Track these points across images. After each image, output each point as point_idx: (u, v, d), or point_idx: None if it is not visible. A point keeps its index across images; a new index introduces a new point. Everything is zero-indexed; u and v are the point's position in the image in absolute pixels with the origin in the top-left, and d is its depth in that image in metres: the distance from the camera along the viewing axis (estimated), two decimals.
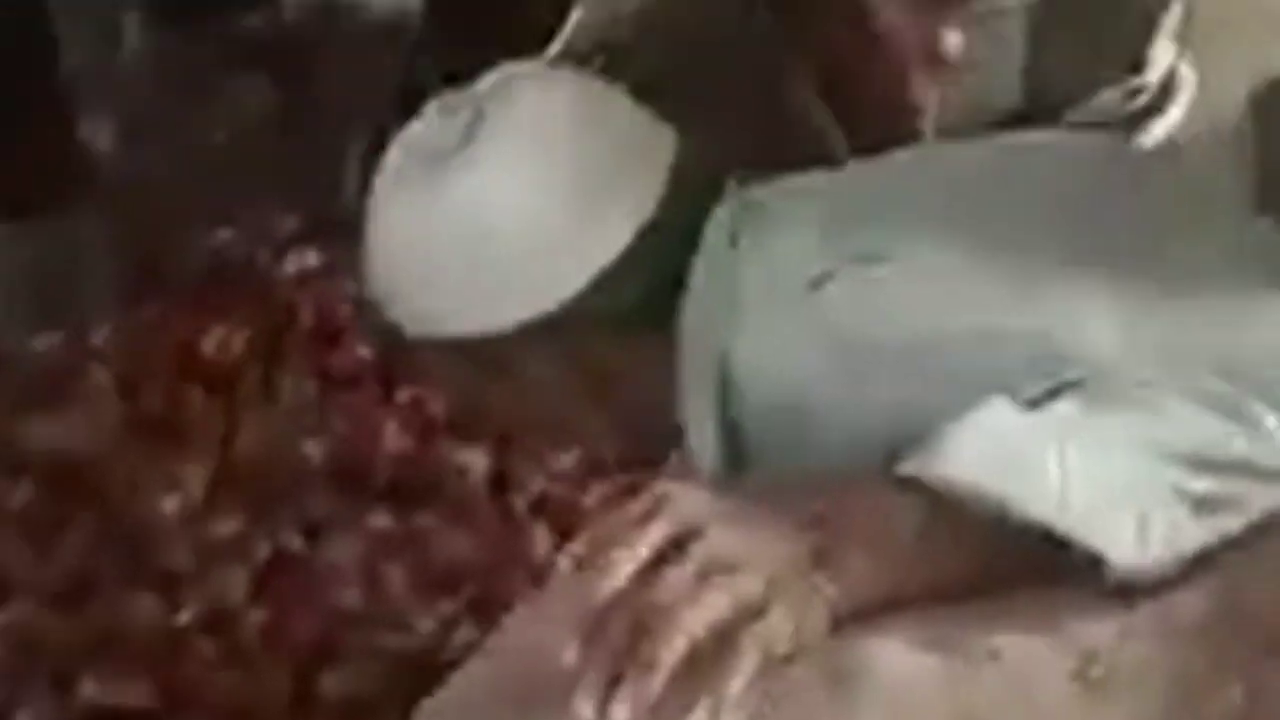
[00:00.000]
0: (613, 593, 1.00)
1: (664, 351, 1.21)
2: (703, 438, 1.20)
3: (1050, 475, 1.01)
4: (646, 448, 1.33)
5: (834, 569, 1.02)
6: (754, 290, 1.19)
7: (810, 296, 1.16)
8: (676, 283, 1.21)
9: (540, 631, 1.20)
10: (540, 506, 1.99)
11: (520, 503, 1.98)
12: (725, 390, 1.18)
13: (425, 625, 1.83)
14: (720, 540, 1.03)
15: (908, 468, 1.03)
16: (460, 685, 1.23)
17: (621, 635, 0.99)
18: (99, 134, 2.25)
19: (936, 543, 1.02)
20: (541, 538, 1.96)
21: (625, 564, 1.02)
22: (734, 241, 1.21)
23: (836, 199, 1.24)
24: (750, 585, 1.01)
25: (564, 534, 1.92)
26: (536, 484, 2.00)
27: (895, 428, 1.07)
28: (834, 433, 1.13)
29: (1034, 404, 1.05)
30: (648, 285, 1.21)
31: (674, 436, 1.24)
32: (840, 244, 1.17)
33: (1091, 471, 1.02)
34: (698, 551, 1.02)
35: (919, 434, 1.05)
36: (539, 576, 1.88)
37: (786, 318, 1.16)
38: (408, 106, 1.23)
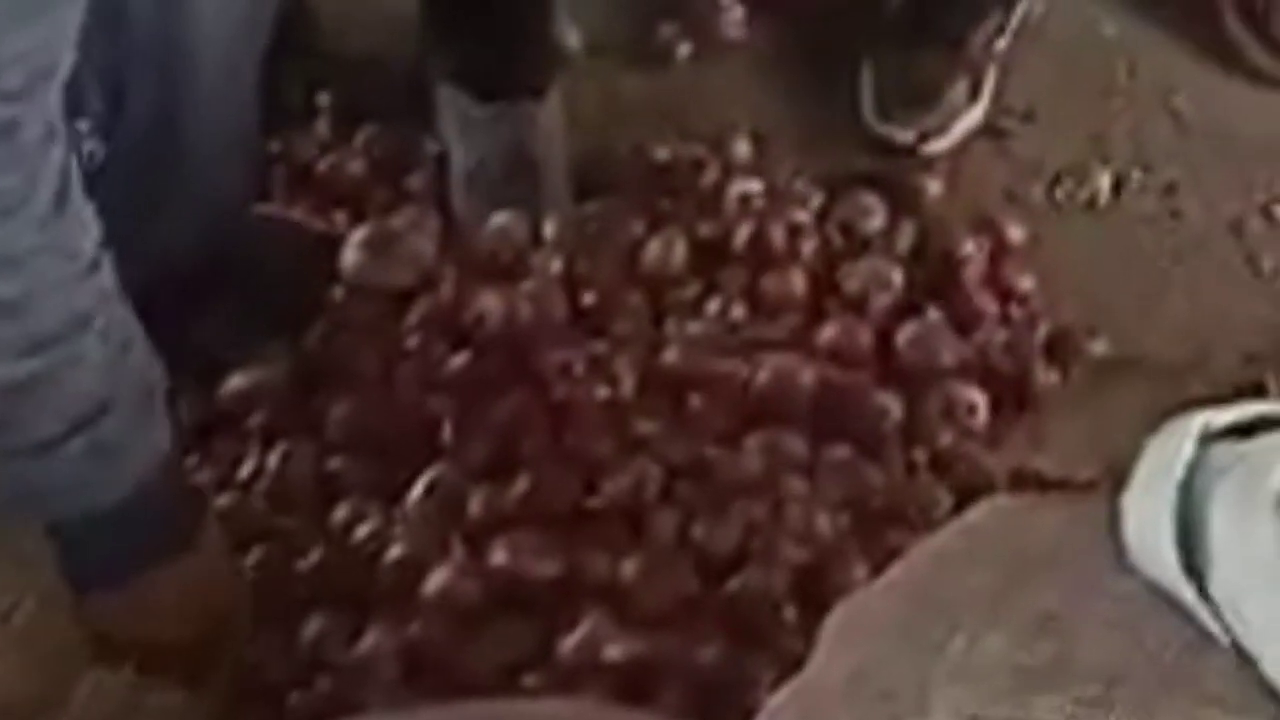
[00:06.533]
0: None
1: None
2: None
3: None
4: None
5: None
6: None
7: None
8: None
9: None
10: (942, 462, 1.98)
11: (923, 455, 1.98)
12: None
13: (827, 541, 1.85)
14: None
15: None
16: (874, 593, 1.24)
17: None
18: (569, 33, 2.30)
19: None
20: (941, 494, 1.95)
21: None
22: None
23: None
24: None
25: (964, 495, 1.92)
26: (945, 438, 1.99)
27: None
28: None
29: None
30: None
31: None
32: None
33: None
34: None
35: None
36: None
37: None
38: None
